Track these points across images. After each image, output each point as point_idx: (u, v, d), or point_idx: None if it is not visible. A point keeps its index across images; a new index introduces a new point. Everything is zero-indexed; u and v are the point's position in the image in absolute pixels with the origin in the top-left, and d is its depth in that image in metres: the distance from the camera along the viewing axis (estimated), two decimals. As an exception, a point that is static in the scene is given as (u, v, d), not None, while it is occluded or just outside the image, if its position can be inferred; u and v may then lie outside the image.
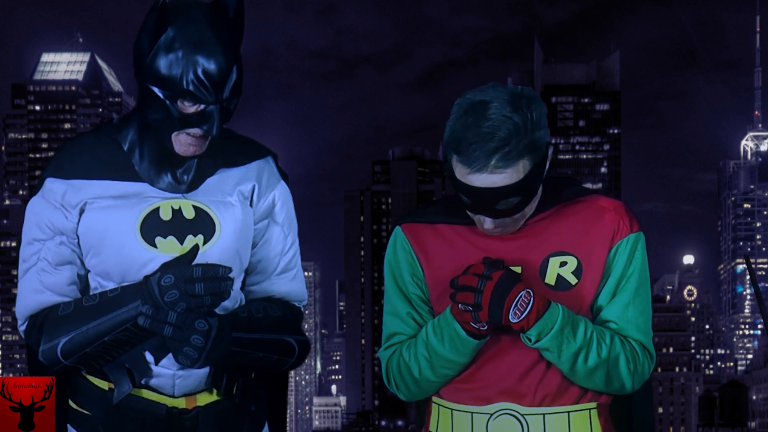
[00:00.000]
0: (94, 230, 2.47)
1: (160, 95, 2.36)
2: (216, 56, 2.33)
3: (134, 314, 2.36)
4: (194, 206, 2.49)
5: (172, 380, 2.50)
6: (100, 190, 2.48)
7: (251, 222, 2.57)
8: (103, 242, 2.46)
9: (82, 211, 2.48)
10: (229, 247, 2.50)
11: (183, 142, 2.41)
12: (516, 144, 2.22)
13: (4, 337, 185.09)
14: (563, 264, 2.38)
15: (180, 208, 2.48)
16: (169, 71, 2.34)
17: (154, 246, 2.44)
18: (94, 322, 2.41)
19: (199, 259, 2.40)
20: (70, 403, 2.60)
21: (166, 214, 2.47)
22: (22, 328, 2.56)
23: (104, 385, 2.52)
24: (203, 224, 2.48)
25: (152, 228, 2.45)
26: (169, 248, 2.45)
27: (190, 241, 2.46)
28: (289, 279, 2.66)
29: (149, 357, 2.48)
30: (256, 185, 2.58)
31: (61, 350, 2.44)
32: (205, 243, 2.47)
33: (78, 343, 2.42)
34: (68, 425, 2.61)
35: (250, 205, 2.57)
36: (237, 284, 2.56)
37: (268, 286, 2.64)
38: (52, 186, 2.50)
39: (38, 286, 2.51)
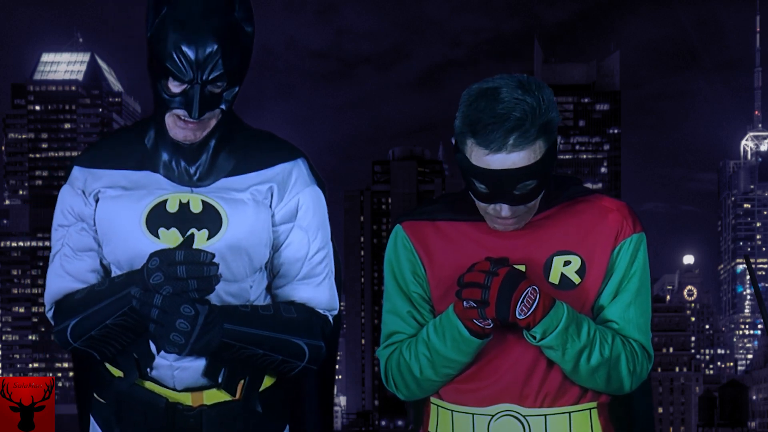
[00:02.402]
0: (105, 219, 2.51)
1: (152, 75, 2.42)
2: (199, 35, 2.33)
3: (130, 299, 2.37)
4: (203, 201, 2.49)
5: (171, 371, 2.50)
6: (114, 179, 2.53)
7: (266, 223, 2.54)
8: (112, 231, 2.50)
9: (97, 200, 2.54)
10: (237, 244, 2.49)
11: (172, 125, 2.44)
12: (531, 124, 2.24)
13: (4, 337, 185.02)
14: (567, 263, 2.38)
15: (189, 201, 2.49)
16: (157, 50, 2.37)
17: (157, 237, 2.47)
18: (98, 306, 2.44)
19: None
20: (94, 393, 2.63)
21: (173, 207, 2.48)
22: (49, 314, 2.59)
23: (116, 372, 2.55)
24: (209, 219, 2.48)
25: (157, 219, 2.47)
26: (170, 240, 2.46)
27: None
28: (314, 285, 2.59)
29: (152, 346, 2.50)
30: (274, 187, 2.55)
31: (70, 332, 2.48)
32: (209, 238, 2.47)
33: (85, 325, 2.46)
34: (90, 414, 2.65)
35: (270, 207, 2.55)
36: (246, 283, 2.54)
37: (289, 291, 2.60)
38: (77, 174, 2.56)
39: (60, 272, 2.56)
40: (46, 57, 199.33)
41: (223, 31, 2.36)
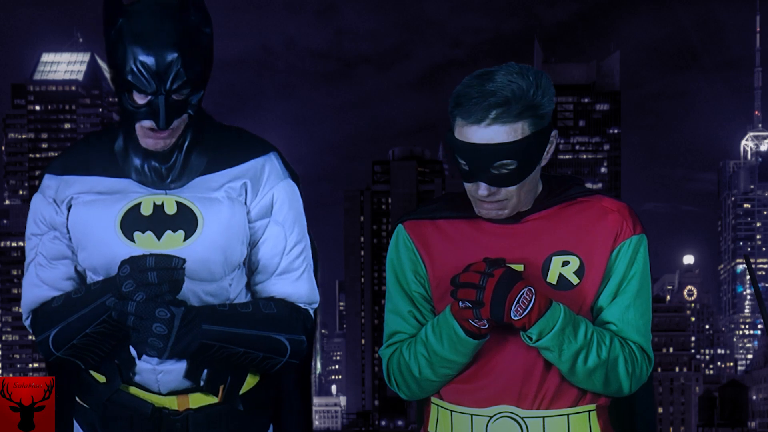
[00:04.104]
0: (79, 225, 2.50)
1: (115, 86, 2.39)
2: (157, 46, 2.32)
3: (108, 306, 2.38)
4: (177, 202, 2.48)
5: (155, 375, 2.49)
6: (87, 185, 2.51)
7: (242, 220, 2.53)
8: (87, 237, 2.49)
9: (69, 207, 2.52)
10: (213, 244, 2.48)
11: (142, 136, 2.42)
12: (517, 103, 2.25)
13: (4, 337, 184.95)
14: (565, 263, 2.37)
15: (162, 203, 2.48)
16: (116, 62, 2.35)
17: (133, 241, 2.45)
18: (77, 314, 2.43)
19: (180, 255, 2.43)
20: (77, 397, 2.62)
21: (147, 210, 2.47)
22: (27, 323, 2.60)
23: (101, 378, 2.55)
24: (184, 220, 2.47)
25: (132, 223, 2.46)
26: (146, 243, 2.45)
27: (168, 236, 2.46)
28: (292, 280, 2.59)
29: (133, 352, 2.49)
30: (248, 183, 2.54)
31: (52, 342, 2.48)
32: (186, 238, 2.46)
33: (66, 334, 2.45)
34: (73, 418, 2.64)
35: (245, 203, 2.55)
36: (225, 282, 2.54)
37: (268, 286, 2.60)
38: (48, 182, 2.55)
39: (36, 281, 2.55)
40: (46, 57, 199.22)
41: (182, 38, 2.34)
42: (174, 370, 2.49)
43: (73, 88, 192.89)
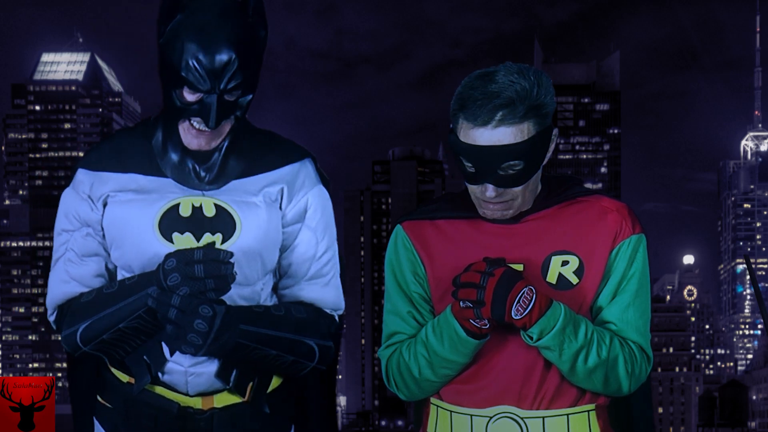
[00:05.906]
0: (115, 223, 2.48)
1: (164, 81, 2.37)
2: (215, 45, 2.29)
3: (145, 300, 2.35)
4: (216, 204, 2.47)
5: (185, 377, 2.48)
6: (123, 183, 2.49)
7: (278, 224, 2.53)
8: (123, 235, 2.47)
9: (105, 204, 2.50)
10: (250, 248, 2.47)
11: (187, 133, 2.40)
12: (521, 104, 2.25)
13: (4, 337, 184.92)
14: (565, 263, 2.38)
15: (201, 205, 2.47)
16: (171, 58, 2.33)
17: (171, 242, 2.44)
18: (110, 309, 2.41)
19: None
20: (98, 396, 2.61)
21: (185, 211, 2.46)
22: (51, 318, 2.57)
23: (124, 377, 2.53)
24: (223, 223, 2.46)
25: (171, 223, 2.45)
26: (185, 244, 2.43)
27: (207, 238, 2.45)
28: (321, 285, 2.60)
29: (166, 351, 2.48)
30: (285, 188, 2.54)
31: (80, 336, 2.45)
32: (223, 242, 2.45)
33: (95, 329, 2.43)
34: (93, 417, 2.62)
35: (280, 207, 2.55)
36: (258, 286, 2.53)
37: (297, 291, 2.60)
38: (82, 177, 2.52)
39: (65, 277, 2.52)
40: (46, 57, 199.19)
41: (239, 38, 2.32)
42: (205, 373, 2.48)
43: (73, 88, 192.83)
